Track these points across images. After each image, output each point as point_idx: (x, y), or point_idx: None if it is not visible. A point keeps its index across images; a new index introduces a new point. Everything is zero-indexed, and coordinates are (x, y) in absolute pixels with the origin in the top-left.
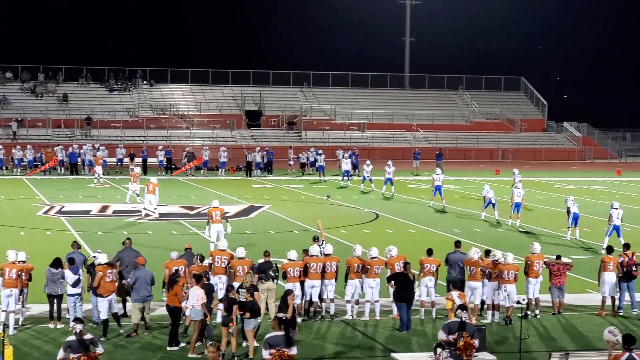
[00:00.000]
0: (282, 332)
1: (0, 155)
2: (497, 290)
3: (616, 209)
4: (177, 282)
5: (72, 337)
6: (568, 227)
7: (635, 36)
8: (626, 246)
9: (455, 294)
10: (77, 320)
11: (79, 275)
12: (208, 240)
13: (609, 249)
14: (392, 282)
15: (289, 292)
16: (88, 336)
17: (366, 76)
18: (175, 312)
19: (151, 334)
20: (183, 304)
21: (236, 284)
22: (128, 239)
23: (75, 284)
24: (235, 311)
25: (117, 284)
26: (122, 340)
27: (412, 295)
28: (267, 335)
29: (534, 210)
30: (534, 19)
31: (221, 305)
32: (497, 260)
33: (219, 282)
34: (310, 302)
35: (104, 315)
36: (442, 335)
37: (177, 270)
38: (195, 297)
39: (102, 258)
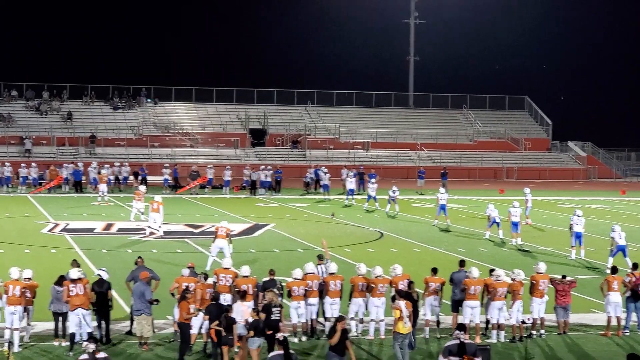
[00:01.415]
0: (282, 352)
1: (8, 173)
2: (502, 308)
3: (617, 232)
4: (185, 299)
5: (85, 356)
6: (572, 246)
7: None
8: (634, 266)
9: (402, 303)
10: (90, 339)
11: None
12: (208, 254)
13: (614, 269)
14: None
15: (340, 318)
16: (101, 355)
17: (370, 95)
18: (183, 328)
19: (142, 348)
20: (198, 321)
21: (246, 303)
22: (140, 257)
23: None
24: (235, 330)
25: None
26: (130, 358)
27: (416, 314)
28: (269, 355)
29: (544, 230)
30: (538, 38)
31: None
32: (499, 279)
33: (224, 301)
34: (311, 320)
35: (71, 329)
36: (442, 359)
37: (187, 287)
38: (240, 314)
39: (72, 273)
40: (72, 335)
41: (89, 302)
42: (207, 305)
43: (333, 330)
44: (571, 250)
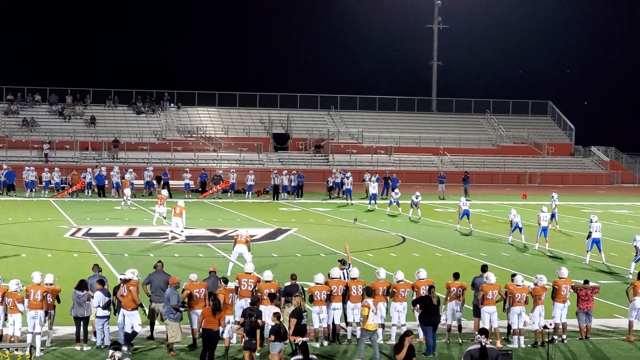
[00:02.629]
0: (301, 356)
1: (32, 178)
2: (521, 314)
3: (639, 241)
4: (219, 310)
5: None
6: (587, 251)
7: None
8: None
9: (370, 301)
10: (115, 347)
11: (109, 297)
12: (229, 259)
13: None
14: (418, 306)
15: (408, 333)
16: None
17: (393, 100)
18: (214, 335)
19: (168, 354)
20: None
21: (263, 307)
22: (159, 262)
23: (106, 306)
24: (258, 335)
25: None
26: None
27: (437, 319)
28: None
29: (572, 236)
30: (561, 43)
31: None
32: (519, 285)
33: (245, 305)
34: (334, 325)
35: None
36: None
37: (214, 296)
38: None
39: (127, 274)
40: (127, 334)
41: (132, 304)
42: (244, 309)
43: (400, 345)
44: (586, 255)
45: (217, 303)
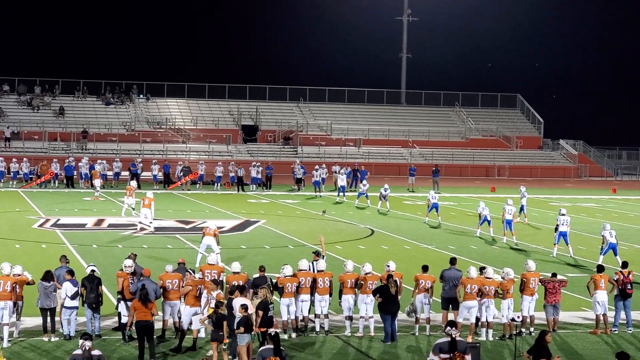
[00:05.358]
0: (272, 346)
1: (1, 168)
2: (489, 306)
3: (608, 230)
4: (149, 299)
5: (79, 351)
6: (555, 244)
7: (632, 54)
8: (624, 265)
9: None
10: (86, 337)
11: (78, 287)
12: (197, 250)
13: (600, 268)
14: (377, 295)
15: (547, 331)
16: (96, 352)
17: (362, 92)
18: (149, 327)
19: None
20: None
21: (236, 300)
22: (133, 254)
23: (74, 296)
24: (225, 326)
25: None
26: (118, 353)
27: (396, 308)
28: (261, 349)
29: (540, 229)
30: (530, 36)
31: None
32: (489, 278)
33: (210, 297)
34: (303, 317)
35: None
36: (433, 357)
37: (144, 286)
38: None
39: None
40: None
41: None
42: (227, 300)
43: (544, 348)
44: (554, 248)
45: (145, 293)
